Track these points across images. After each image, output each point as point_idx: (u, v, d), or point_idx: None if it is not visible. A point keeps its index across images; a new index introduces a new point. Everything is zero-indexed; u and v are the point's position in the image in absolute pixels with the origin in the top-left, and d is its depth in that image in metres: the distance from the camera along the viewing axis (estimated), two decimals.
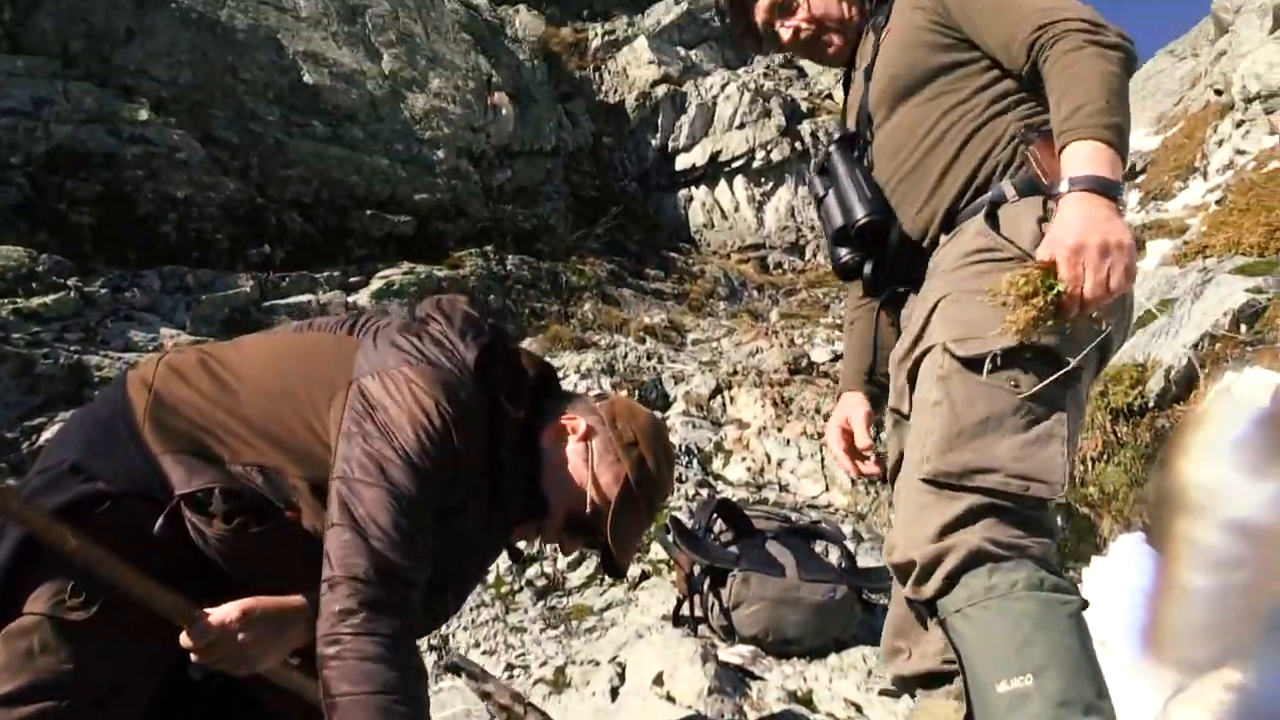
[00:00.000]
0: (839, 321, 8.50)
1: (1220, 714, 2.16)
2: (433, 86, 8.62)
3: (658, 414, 5.59)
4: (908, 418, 1.81)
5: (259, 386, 1.70)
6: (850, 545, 3.95)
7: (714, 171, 11.49)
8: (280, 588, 1.70)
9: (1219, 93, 12.68)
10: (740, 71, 12.88)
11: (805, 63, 14.57)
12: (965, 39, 1.91)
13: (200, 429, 1.65)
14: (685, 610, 3.55)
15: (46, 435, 4.17)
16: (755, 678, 3.22)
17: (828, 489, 5.11)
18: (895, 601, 1.90)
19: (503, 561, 4.03)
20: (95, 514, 1.58)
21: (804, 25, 2.15)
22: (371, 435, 1.58)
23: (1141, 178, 12.01)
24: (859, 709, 3.10)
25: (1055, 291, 1.54)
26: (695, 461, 5.27)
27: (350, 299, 6.50)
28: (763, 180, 11.58)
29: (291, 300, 6.21)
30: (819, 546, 3.69)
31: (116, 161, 6.05)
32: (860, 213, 1.96)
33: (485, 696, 2.94)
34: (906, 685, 1.89)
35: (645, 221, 10.85)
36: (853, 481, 5.12)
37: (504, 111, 9.28)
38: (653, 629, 3.55)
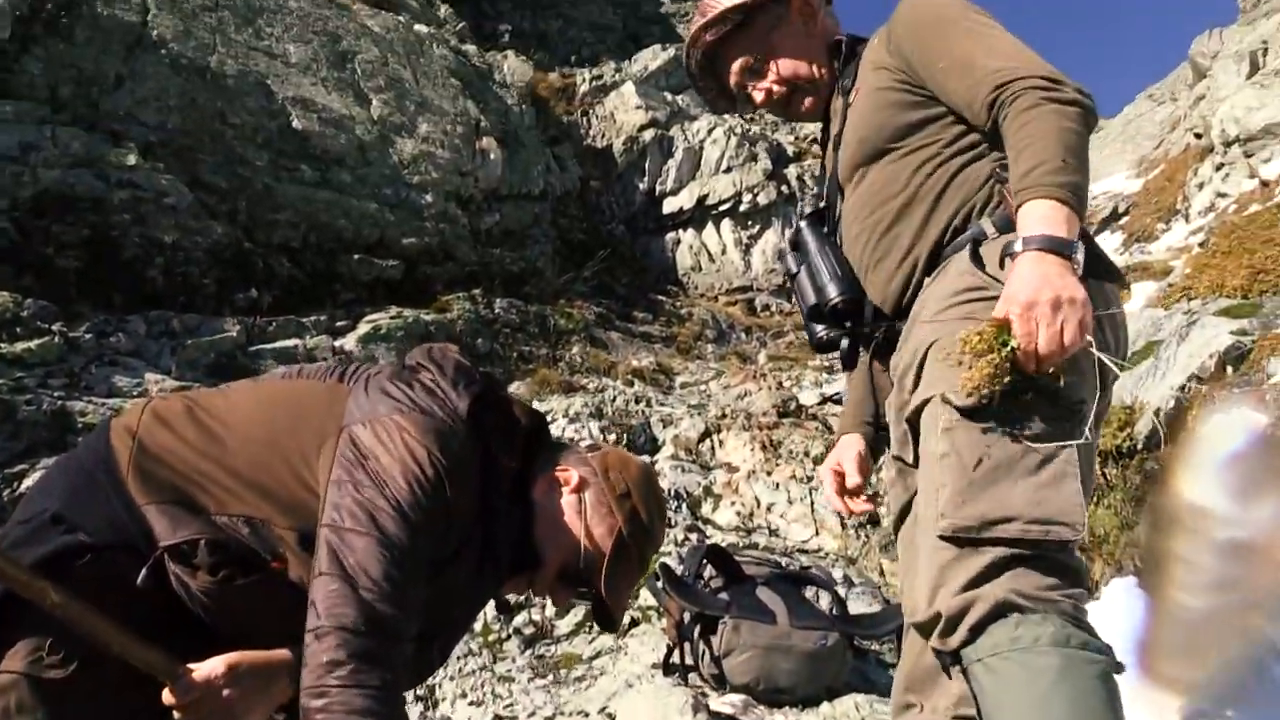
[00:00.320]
0: (827, 364, 8.51)
1: None
2: (421, 131, 8.67)
3: (646, 458, 5.57)
4: (911, 465, 1.79)
5: (246, 435, 1.68)
6: (841, 591, 3.91)
7: (701, 215, 11.57)
8: (265, 641, 1.66)
9: (1198, 136, 12.87)
10: (727, 116, 13.02)
11: None
12: (931, 95, 1.92)
13: (185, 479, 1.62)
14: (675, 658, 3.50)
15: (28, 482, 4.12)
16: None
17: (818, 533, 5.08)
18: (905, 656, 1.88)
19: (490, 609, 3.98)
20: (76, 566, 1.54)
21: (775, 87, 2.18)
22: (363, 484, 1.56)
23: (1124, 220, 12.15)
24: None
25: (1009, 348, 1.55)
26: (684, 506, 5.24)
27: (337, 343, 6.47)
28: (749, 223, 11.66)
29: (278, 345, 6.18)
30: (809, 592, 3.66)
31: (103, 206, 6.04)
32: (832, 292, 2.02)
33: None
34: None
35: (633, 264, 10.89)
36: (843, 525, 5.09)
37: (492, 156, 9.33)
38: (643, 678, 3.50)
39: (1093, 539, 4.34)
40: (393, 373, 1.76)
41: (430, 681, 3.59)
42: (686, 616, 3.46)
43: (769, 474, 5.58)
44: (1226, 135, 11.32)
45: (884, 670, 3.66)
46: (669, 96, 12.88)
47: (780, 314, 10.93)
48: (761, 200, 11.60)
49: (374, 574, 1.49)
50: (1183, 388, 4.59)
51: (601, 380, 7.31)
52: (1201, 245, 8.15)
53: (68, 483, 1.66)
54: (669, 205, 11.56)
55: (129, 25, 6.86)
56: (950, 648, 1.58)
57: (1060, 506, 1.55)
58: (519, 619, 4.07)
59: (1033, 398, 1.60)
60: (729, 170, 11.74)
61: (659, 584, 3.55)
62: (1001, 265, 1.69)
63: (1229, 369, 4.58)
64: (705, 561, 3.67)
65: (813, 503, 5.25)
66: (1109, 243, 11.38)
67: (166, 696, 1.56)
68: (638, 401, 6.72)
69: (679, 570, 3.71)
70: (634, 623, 4.02)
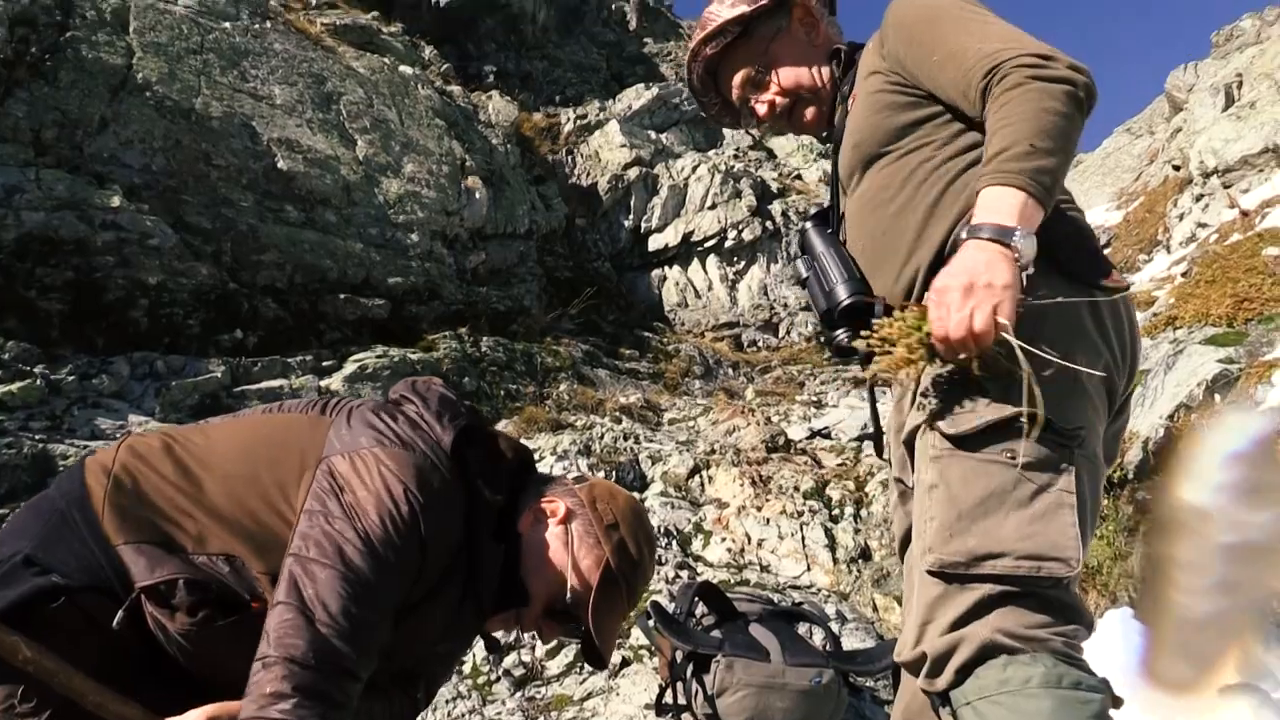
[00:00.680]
0: (814, 399, 8.50)
1: None
2: (406, 171, 8.69)
3: (636, 495, 5.52)
4: (912, 489, 1.75)
5: (225, 472, 1.64)
6: (834, 627, 3.87)
7: (687, 251, 11.60)
8: (243, 685, 1.61)
9: (1177, 168, 13.03)
10: (711, 153, 13.11)
11: (774, 143, 14.86)
12: (927, 94, 1.85)
13: (163, 517, 1.58)
14: (669, 698, 3.44)
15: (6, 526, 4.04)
16: None
17: (809, 568, 5.03)
18: (900, 696, 1.84)
19: (479, 650, 3.91)
20: (49, 609, 1.50)
21: (777, 99, 2.13)
22: (334, 515, 1.52)
23: (1107, 252, 12.27)
24: None
25: (924, 332, 1.53)
26: (675, 543, 5.19)
27: (323, 383, 6.42)
28: (735, 259, 11.70)
29: (264, 385, 6.14)
30: (803, 629, 3.62)
31: (87, 247, 6.01)
32: (843, 294, 1.91)
33: None
34: None
35: (619, 301, 10.89)
36: (834, 560, 5.05)
37: (477, 195, 9.35)
38: (636, 718, 3.44)
39: (1086, 571, 4.32)
40: (376, 405, 1.73)
41: None
42: (679, 655, 3.41)
43: (759, 509, 5.53)
44: (1205, 166, 11.46)
45: (879, 708, 3.61)
46: (653, 135, 12.96)
47: (767, 349, 10.93)
48: (746, 236, 11.64)
49: (332, 608, 1.45)
50: (1172, 416, 4.59)
51: (589, 417, 7.27)
52: (1184, 275, 8.21)
53: (41, 524, 1.61)
54: (654, 242, 11.60)
55: (114, 68, 6.86)
56: (937, 689, 1.54)
57: (1053, 540, 1.49)
58: (509, 660, 4.00)
59: (1025, 424, 1.53)
60: (713, 207, 11.79)
61: (651, 622, 3.50)
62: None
63: (1217, 397, 4.59)
64: (697, 599, 3.62)
65: (804, 538, 5.21)
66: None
67: None
68: (626, 438, 6.68)
69: (671, 608, 3.66)
70: (625, 662, 3.96)
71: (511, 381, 7.76)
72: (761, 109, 2.16)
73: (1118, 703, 1.52)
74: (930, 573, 1.55)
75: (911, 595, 1.73)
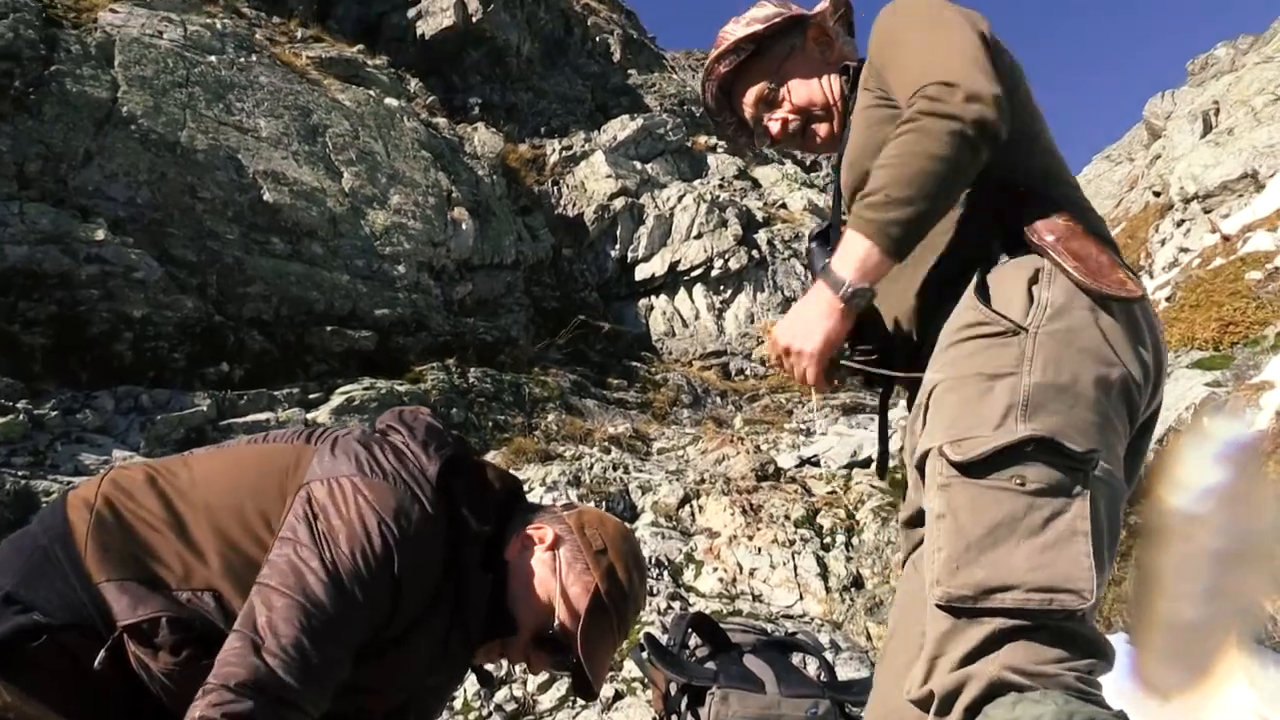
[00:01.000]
0: (803, 427, 8.49)
1: None
2: (393, 203, 8.69)
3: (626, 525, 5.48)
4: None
5: (208, 503, 1.61)
6: (828, 656, 3.83)
7: (673, 281, 11.63)
8: None
9: (1157, 194, 13.17)
10: (696, 183, 13.18)
11: (759, 172, 14.95)
12: None
13: (146, 552, 1.55)
14: None
15: None
16: None
17: (801, 598, 5.00)
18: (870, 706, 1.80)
19: (470, 685, 3.86)
20: (30, 648, 1.46)
21: (790, 116, 2.09)
22: (302, 543, 1.49)
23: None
24: None
25: None
26: (666, 573, 5.15)
27: (310, 415, 6.38)
28: (721, 288, 11.73)
29: (250, 418, 6.09)
30: (797, 659, 3.58)
31: (71, 281, 5.97)
32: None
33: None
34: None
35: (607, 331, 10.89)
36: (827, 589, 5.02)
37: (464, 226, 9.35)
38: None
39: None
40: (362, 434, 1.70)
41: None
42: (673, 688, 3.37)
43: (750, 539, 5.50)
44: (1185, 192, 11.59)
45: None
46: (638, 165, 13.02)
47: (755, 378, 10.93)
48: (733, 265, 11.69)
49: (284, 638, 1.41)
50: (1161, 440, 4.59)
51: (578, 448, 7.24)
52: (1168, 299, 8.26)
53: (23, 560, 1.57)
54: (641, 272, 11.62)
55: (99, 101, 6.86)
56: None
57: (1066, 571, 1.42)
58: (500, 695, 3.95)
59: (1033, 447, 1.48)
60: (700, 236, 11.84)
61: (644, 654, 3.45)
62: (1029, 288, 1.60)
63: (1206, 420, 4.59)
64: (690, 630, 3.58)
65: (796, 567, 5.18)
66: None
67: None
68: (615, 468, 6.65)
69: (664, 640, 3.62)
70: (619, 695, 3.91)
71: (499, 412, 7.72)
72: (775, 127, 2.12)
73: None
74: (938, 606, 1.49)
75: (902, 622, 1.69)
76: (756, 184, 14.73)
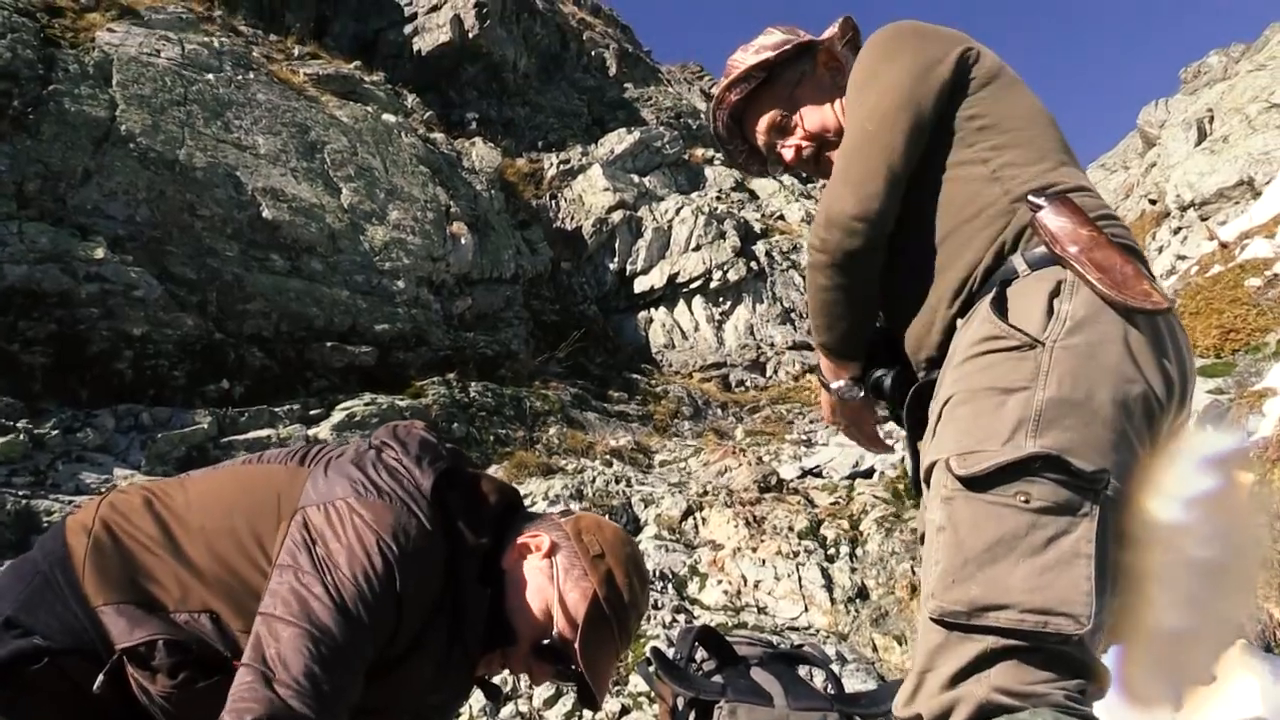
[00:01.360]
0: (804, 437, 8.48)
1: None
2: (392, 218, 8.69)
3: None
4: None
5: (203, 526, 1.60)
6: (835, 668, 3.81)
7: (672, 293, 11.64)
8: None
9: (1153, 202, 13.19)
10: (694, 196, 13.21)
11: (756, 185, 14.97)
12: None
13: (144, 575, 1.54)
14: None
15: None
16: None
17: (807, 609, 4.98)
18: None
19: (476, 702, 3.84)
20: (30, 672, 1.45)
21: (804, 143, 2.08)
22: (304, 570, 1.47)
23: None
24: None
25: None
26: (670, 586, 5.13)
27: (311, 432, 6.37)
28: (720, 300, 11.73)
29: (251, 435, 6.07)
30: (804, 671, 3.56)
31: (71, 300, 5.96)
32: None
33: None
34: None
35: (607, 344, 10.89)
36: (832, 601, 5.00)
37: (463, 241, 9.36)
38: None
39: None
40: (355, 453, 1.69)
41: None
42: (680, 702, 3.34)
43: (754, 550, 5.49)
44: (1181, 200, 11.61)
45: None
46: (636, 178, 13.04)
47: (755, 389, 10.93)
48: (731, 277, 11.70)
49: (294, 668, 1.40)
50: None
51: (580, 461, 7.22)
52: None
53: (23, 585, 1.57)
54: (640, 284, 11.63)
55: (97, 120, 6.86)
56: None
57: (1063, 594, 1.39)
58: (506, 710, 3.92)
59: (1040, 464, 1.45)
60: (698, 248, 11.85)
61: (651, 668, 3.43)
62: (1050, 301, 1.58)
63: (1209, 428, 4.58)
64: (697, 643, 3.56)
65: (800, 578, 5.16)
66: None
67: None
68: (618, 481, 6.64)
69: (670, 653, 3.60)
70: (625, 710, 3.89)
71: (501, 426, 7.71)
72: (788, 154, 2.11)
73: None
74: (932, 620, 1.47)
75: (916, 647, 1.67)
76: (754, 196, 14.76)
